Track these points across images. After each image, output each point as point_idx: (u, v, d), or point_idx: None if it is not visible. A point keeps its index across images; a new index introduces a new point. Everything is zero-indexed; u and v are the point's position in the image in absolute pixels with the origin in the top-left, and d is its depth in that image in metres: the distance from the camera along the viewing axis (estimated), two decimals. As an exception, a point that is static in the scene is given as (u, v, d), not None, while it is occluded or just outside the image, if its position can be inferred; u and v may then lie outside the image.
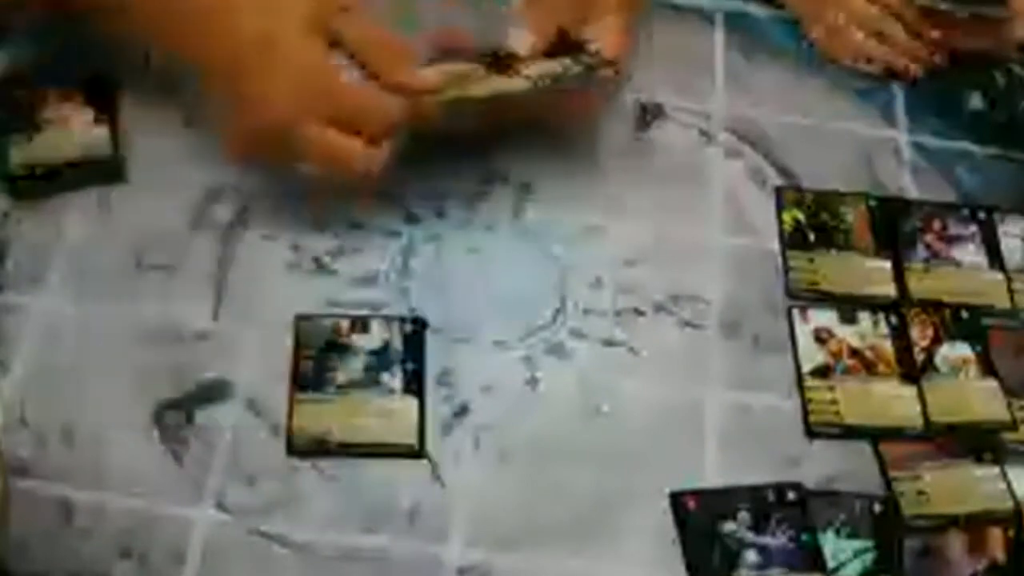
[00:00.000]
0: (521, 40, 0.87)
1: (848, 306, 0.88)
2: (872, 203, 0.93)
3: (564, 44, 0.88)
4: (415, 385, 0.80)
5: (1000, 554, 0.79)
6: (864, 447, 0.82)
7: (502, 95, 0.84)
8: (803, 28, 1.05)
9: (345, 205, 0.87)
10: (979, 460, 0.82)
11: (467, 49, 0.87)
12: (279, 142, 0.80)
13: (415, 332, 0.82)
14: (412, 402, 0.79)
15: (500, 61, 0.86)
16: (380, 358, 0.81)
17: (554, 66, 0.85)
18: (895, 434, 0.82)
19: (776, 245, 0.91)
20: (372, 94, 0.81)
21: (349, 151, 0.81)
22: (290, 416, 0.78)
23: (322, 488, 0.76)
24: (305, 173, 0.82)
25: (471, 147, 0.92)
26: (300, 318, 0.82)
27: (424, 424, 0.79)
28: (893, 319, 0.87)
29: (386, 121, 0.81)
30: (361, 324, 0.82)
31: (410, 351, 0.81)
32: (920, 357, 0.86)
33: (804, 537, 0.77)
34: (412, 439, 0.78)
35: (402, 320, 0.82)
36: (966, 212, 0.94)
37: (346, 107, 0.81)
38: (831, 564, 0.76)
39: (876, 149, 0.98)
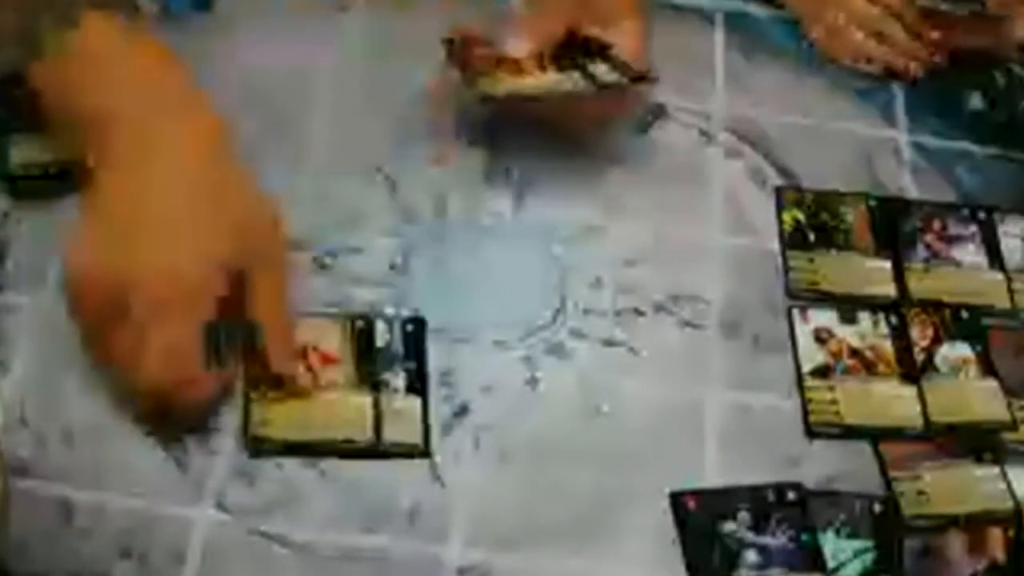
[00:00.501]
0: (518, 48, 0.87)
1: (848, 306, 0.88)
2: (872, 203, 0.93)
3: (574, 46, 0.88)
4: (418, 384, 0.80)
5: (1000, 554, 0.79)
6: (864, 447, 0.82)
7: (547, 94, 0.86)
8: (803, 28, 1.05)
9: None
10: (979, 460, 0.82)
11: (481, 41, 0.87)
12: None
13: (415, 332, 0.82)
14: (415, 402, 0.79)
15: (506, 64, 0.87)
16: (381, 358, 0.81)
17: (608, 76, 0.87)
18: (895, 434, 0.82)
19: (776, 245, 0.91)
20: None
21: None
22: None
23: (322, 488, 0.76)
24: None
25: (471, 146, 0.92)
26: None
27: (428, 424, 0.79)
28: (893, 319, 0.87)
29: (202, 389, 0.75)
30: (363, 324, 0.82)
31: (411, 350, 0.81)
32: (920, 357, 0.86)
33: (804, 537, 0.77)
34: (417, 439, 0.78)
35: (402, 320, 0.82)
36: (966, 212, 0.94)
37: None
38: (831, 564, 0.76)
39: (876, 149, 0.98)
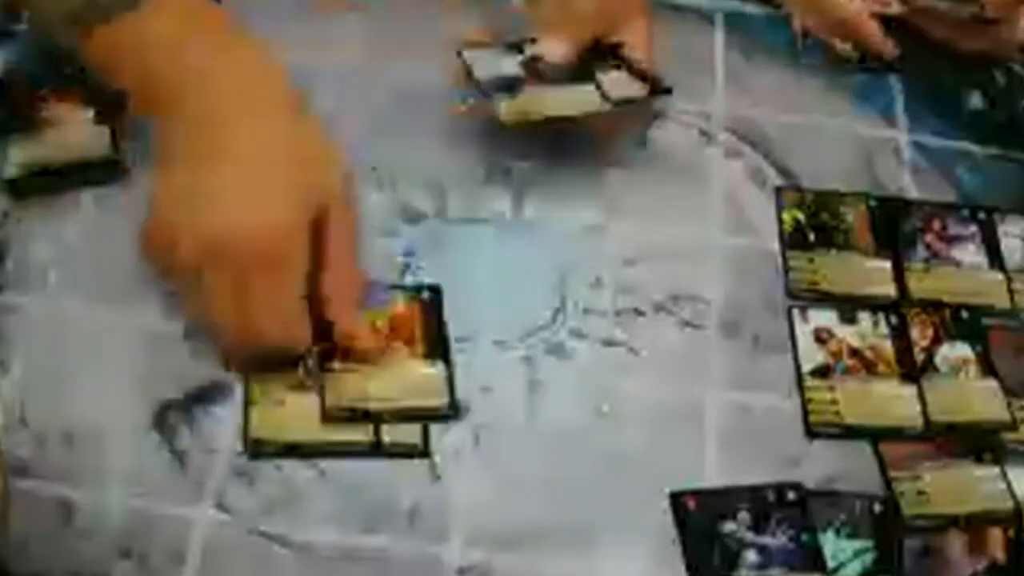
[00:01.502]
0: (552, 48, 0.87)
1: (848, 306, 0.88)
2: (872, 203, 0.93)
3: (598, 50, 0.88)
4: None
5: (1000, 554, 0.79)
6: (864, 447, 0.82)
7: (581, 114, 0.87)
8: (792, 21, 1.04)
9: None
10: (979, 460, 0.82)
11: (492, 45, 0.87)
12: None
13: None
14: (414, 402, 0.80)
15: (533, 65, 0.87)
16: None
17: (627, 89, 0.87)
18: (895, 434, 0.82)
19: (776, 245, 0.91)
20: (294, 311, 0.76)
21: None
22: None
23: (322, 488, 0.76)
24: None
25: (471, 146, 0.92)
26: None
27: (428, 424, 0.79)
28: (893, 319, 0.87)
29: (284, 339, 0.77)
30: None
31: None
32: (920, 357, 0.86)
33: (804, 537, 0.77)
34: (417, 439, 0.78)
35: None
36: (966, 212, 0.94)
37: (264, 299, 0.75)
38: (831, 564, 0.76)
39: (876, 149, 0.98)
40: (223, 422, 0.78)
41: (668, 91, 0.89)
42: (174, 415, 0.78)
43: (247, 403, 0.78)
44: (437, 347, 0.81)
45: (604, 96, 0.87)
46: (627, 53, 0.89)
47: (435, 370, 0.80)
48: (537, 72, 0.88)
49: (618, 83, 0.88)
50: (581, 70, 0.88)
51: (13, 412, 0.77)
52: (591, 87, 0.87)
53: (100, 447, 0.76)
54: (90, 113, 0.87)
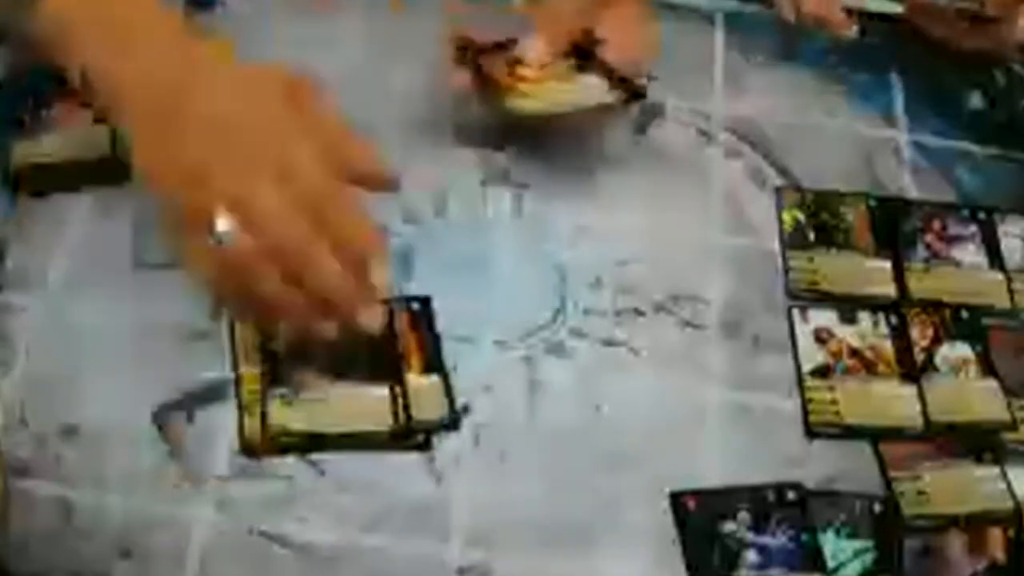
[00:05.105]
0: (531, 46, 0.87)
1: (848, 306, 0.88)
2: (872, 203, 0.93)
3: (582, 48, 0.88)
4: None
5: (1000, 554, 0.79)
6: (864, 447, 0.82)
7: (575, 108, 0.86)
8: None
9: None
10: (979, 460, 0.82)
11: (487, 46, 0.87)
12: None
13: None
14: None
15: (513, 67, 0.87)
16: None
17: (592, 94, 0.87)
18: (895, 434, 0.83)
19: (776, 245, 0.91)
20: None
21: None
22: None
23: (322, 488, 0.76)
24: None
25: (471, 147, 0.92)
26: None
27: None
28: (893, 319, 0.87)
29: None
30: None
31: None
32: (920, 357, 0.86)
33: (804, 537, 0.77)
34: (417, 438, 0.78)
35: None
36: (966, 212, 0.94)
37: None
38: (831, 564, 0.76)
39: (876, 149, 0.98)
40: (223, 422, 0.78)
41: (642, 95, 0.89)
42: (174, 415, 0.78)
43: (240, 407, 0.78)
44: (435, 359, 0.81)
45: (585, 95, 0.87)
46: (604, 56, 0.88)
47: (434, 382, 0.80)
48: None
49: (594, 89, 0.87)
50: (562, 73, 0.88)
51: (13, 412, 0.77)
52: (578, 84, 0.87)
53: (100, 447, 0.76)
54: (90, 113, 0.87)
